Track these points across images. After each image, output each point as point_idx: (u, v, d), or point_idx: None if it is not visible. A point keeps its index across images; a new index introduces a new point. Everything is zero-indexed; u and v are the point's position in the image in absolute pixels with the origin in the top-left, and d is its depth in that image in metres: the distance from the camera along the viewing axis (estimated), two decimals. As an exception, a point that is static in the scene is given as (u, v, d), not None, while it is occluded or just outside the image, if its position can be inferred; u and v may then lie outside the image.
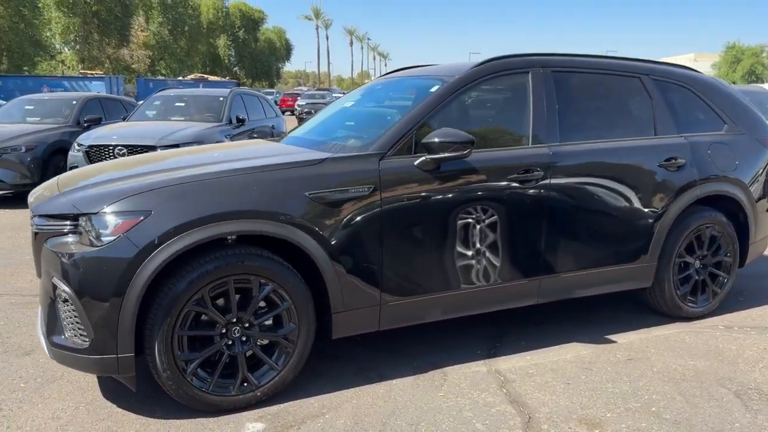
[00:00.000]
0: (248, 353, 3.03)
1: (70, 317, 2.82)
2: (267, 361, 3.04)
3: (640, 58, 4.35)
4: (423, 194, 3.30)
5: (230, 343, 2.97)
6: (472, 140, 3.24)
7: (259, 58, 64.58)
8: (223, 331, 2.94)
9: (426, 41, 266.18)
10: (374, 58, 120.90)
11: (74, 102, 10.31)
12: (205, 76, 44.17)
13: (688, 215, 4.13)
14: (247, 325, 2.99)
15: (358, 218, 3.13)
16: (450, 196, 3.36)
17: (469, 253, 3.46)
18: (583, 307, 4.48)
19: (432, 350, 3.74)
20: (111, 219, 2.75)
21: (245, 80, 65.46)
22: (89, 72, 36.84)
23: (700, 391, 3.24)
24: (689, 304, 4.25)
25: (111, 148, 8.12)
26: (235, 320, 2.96)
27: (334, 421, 2.91)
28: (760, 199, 4.47)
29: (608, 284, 3.97)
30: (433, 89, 3.58)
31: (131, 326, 2.72)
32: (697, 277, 4.27)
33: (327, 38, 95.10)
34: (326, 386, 3.26)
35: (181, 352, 2.84)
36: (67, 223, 2.85)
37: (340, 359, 3.60)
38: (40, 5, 39.74)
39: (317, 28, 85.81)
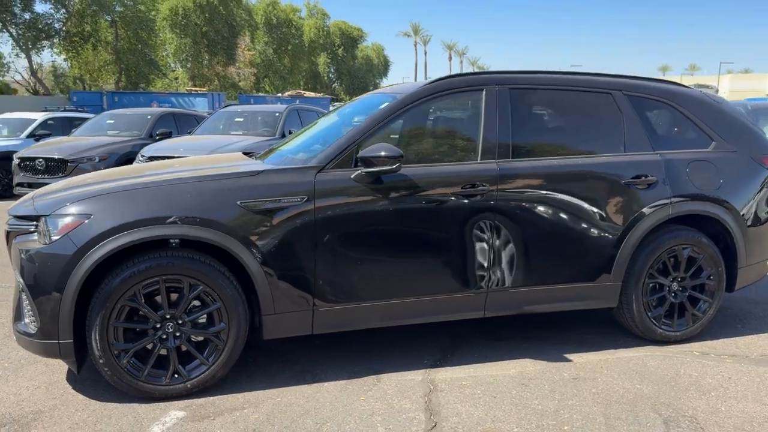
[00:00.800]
0: (184, 348, 3.31)
1: (26, 306, 3.21)
2: (198, 356, 3.30)
3: (619, 73, 4.25)
4: (359, 206, 3.46)
5: (164, 337, 3.26)
6: (400, 155, 3.37)
7: (357, 74, 66.30)
8: (158, 325, 3.24)
9: (527, 54, 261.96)
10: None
11: (149, 117, 11.24)
12: (302, 92, 45.92)
13: (661, 235, 3.99)
14: (180, 321, 3.27)
15: (291, 227, 3.34)
16: (389, 207, 3.49)
17: (407, 263, 3.56)
18: (555, 324, 4.43)
19: (380, 356, 3.86)
20: (58, 221, 3.13)
21: (344, 96, 67.40)
22: (194, 89, 39.41)
23: (628, 414, 3.16)
24: (663, 327, 4.09)
25: (168, 159, 8.81)
26: (169, 316, 3.25)
27: (249, 415, 3.12)
28: (757, 219, 4.24)
29: (565, 302, 3.91)
30: (382, 106, 3.74)
31: (70, 316, 3.07)
32: (673, 300, 4.10)
33: (425, 53, 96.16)
34: (260, 384, 3.47)
35: (116, 341, 3.16)
36: (32, 224, 3.27)
37: (286, 359, 3.81)
38: (155, 28, 43.05)
39: (415, 44, 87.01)
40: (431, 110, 3.94)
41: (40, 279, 3.08)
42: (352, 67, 65.69)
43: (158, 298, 3.25)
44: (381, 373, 3.62)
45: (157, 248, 3.22)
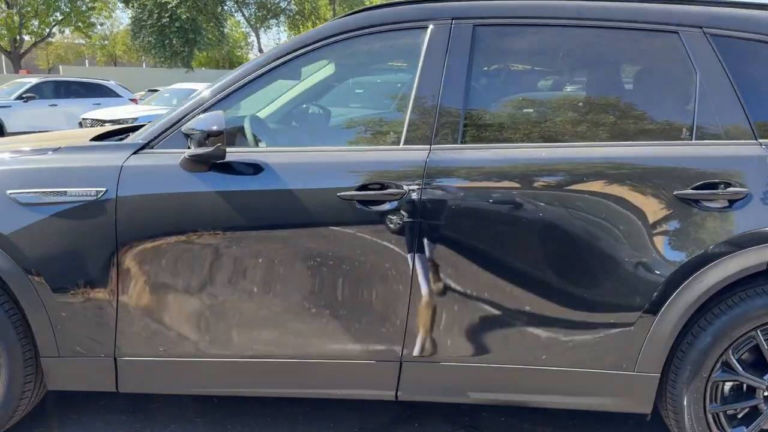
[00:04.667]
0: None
1: None
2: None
3: (706, -2, 2.35)
4: (186, 207, 2.25)
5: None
6: (219, 131, 2.08)
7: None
8: None
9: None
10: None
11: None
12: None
13: (751, 297, 2.13)
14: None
15: (81, 231, 2.25)
16: (232, 217, 2.22)
17: (265, 302, 2.27)
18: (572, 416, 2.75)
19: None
20: None
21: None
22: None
23: None
24: (747, 462, 2.22)
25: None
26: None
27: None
28: None
29: (540, 394, 2.28)
30: (254, 59, 2.44)
31: None
32: (773, 416, 2.21)
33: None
34: None
35: None
36: None
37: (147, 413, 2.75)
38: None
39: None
40: (337, 67, 2.52)
41: None
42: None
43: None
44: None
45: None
